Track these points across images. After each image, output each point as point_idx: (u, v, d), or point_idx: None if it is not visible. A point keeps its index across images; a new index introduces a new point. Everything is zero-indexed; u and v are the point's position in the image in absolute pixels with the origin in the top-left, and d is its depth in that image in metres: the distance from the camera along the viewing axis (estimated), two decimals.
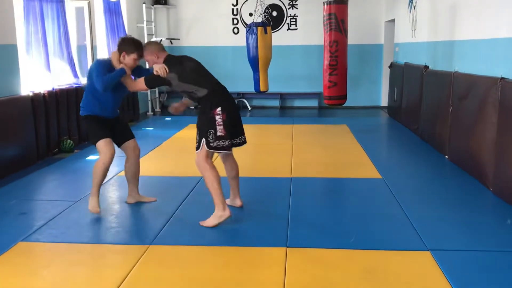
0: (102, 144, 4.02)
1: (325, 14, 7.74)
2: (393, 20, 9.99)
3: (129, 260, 3.25)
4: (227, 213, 3.81)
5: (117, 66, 4.02)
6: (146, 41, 10.09)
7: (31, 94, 6.01)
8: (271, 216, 4.07)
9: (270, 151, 6.59)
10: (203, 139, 3.83)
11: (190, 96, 4.01)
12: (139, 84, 4.06)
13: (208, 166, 3.85)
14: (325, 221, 4.00)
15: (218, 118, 3.81)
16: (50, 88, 6.45)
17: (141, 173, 5.38)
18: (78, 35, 8.04)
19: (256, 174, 5.41)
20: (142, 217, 4.11)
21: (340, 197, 4.86)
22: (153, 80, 3.99)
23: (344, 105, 8.38)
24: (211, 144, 3.82)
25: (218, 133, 3.80)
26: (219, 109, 3.81)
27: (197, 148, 3.88)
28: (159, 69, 3.88)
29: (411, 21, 8.36)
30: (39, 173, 5.53)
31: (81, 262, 3.25)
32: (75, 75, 7.15)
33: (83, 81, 7.40)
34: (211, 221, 3.81)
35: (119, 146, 4.29)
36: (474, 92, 5.17)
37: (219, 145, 3.83)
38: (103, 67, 4.00)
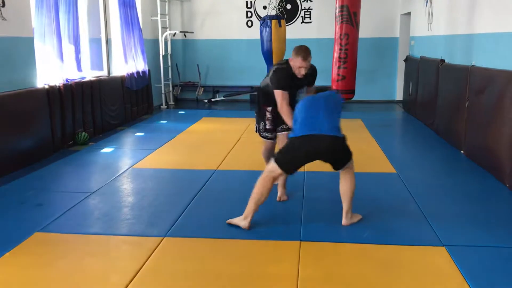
0: None
1: (337, 6, 7.65)
2: (409, 13, 9.88)
3: (144, 251, 3.27)
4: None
5: None
6: (160, 33, 10.14)
7: (46, 86, 6.05)
8: (285, 210, 4.07)
9: None
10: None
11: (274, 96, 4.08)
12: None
13: None
14: (338, 215, 3.98)
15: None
16: (64, 81, 6.49)
17: (155, 166, 5.42)
18: (90, 28, 8.03)
19: None
20: (156, 209, 4.12)
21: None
22: None
23: (359, 99, 8.29)
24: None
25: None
26: None
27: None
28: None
29: (427, 14, 8.26)
30: (54, 165, 5.59)
31: (96, 253, 3.29)
32: (79, 69, 7.09)
33: (86, 74, 7.39)
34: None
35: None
36: (491, 86, 5.10)
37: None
38: None
